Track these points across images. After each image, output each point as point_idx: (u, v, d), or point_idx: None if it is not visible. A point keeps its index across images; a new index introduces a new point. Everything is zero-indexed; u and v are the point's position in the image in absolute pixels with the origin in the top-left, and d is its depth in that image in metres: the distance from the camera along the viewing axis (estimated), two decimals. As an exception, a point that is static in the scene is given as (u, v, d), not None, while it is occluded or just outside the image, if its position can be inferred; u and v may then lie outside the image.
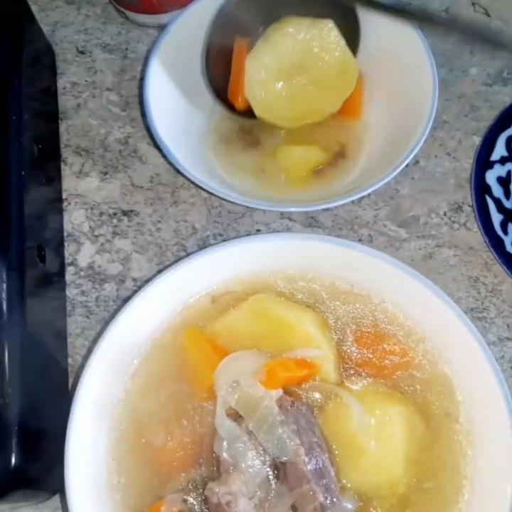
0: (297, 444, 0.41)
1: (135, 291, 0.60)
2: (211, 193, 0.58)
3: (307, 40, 0.59)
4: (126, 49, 0.73)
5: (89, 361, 0.45)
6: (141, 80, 0.71)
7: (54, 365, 0.54)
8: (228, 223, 0.64)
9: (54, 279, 0.59)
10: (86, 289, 0.61)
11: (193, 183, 0.59)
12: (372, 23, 0.60)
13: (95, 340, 0.55)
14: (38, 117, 0.62)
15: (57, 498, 0.54)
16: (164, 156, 0.67)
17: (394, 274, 0.47)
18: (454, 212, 0.63)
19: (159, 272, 0.57)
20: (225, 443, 0.42)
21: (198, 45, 0.61)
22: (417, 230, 0.62)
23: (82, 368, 0.56)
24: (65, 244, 0.63)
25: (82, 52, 0.73)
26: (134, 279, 0.62)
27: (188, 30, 0.60)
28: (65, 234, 0.63)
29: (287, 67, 0.60)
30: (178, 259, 0.62)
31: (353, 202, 0.63)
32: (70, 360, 0.58)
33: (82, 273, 0.62)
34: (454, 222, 0.63)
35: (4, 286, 0.49)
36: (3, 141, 0.54)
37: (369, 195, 0.64)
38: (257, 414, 0.42)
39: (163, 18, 0.71)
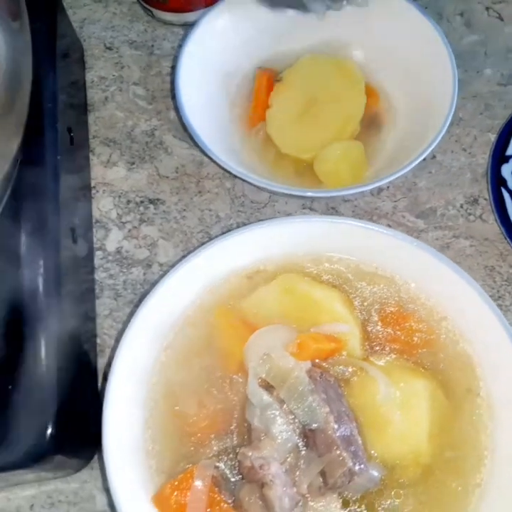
0: (327, 412, 0.43)
1: (162, 275, 0.63)
2: (237, 177, 0.60)
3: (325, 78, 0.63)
4: (152, 46, 0.76)
5: (125, 334, 0.47)
6: (167, 75, 0.74)
7: (85, 342, 0.56)
8: (251, 212, 0.66)
9: (84, 262, 0.61)
10: (114, 273, 0.63)
11: (222, 168, 0.61)
12: (391, 22, 0.63)
13: (131, 315, 0.57)
14: (69, 108, 0.64)
15: (85, 471, 0.55)
16: (189, 148, 0.69)
17: (417, 255, 0.49)
18: (470, 205, 0.65)
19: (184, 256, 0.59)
20: (257, 411, 0.44)
21: (225, 41, 0.64)
22: (435, 221, 0.64)
23: (115, 345, 0.59)
24: (94, 230, 0.65)
25: (109, 48, 0.76)
26: (161, 264, 0.64)
27: (218, 24, 0.62)
28: (94, 220, 0.66)
29: (304, 103, 0.63)
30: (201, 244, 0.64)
31: (372, 194, 0.66)
32: (98, 340, 0.60)
33: (110, 257, 0.64)
34: (470, 214, 0.65)
35: (42, 262, 0.51)
36: (40, 127, 0.56)
37: (388, 187, 0.66)
38: (288, 384, 0.44)
39: (188, 16, 0.73)
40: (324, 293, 0.48)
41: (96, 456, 0.56)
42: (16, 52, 0.43)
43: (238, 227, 0.65)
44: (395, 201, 0.66)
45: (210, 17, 0.62)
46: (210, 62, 0.62)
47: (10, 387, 0.47)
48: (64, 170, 0.57)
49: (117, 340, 0.60)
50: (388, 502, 0.44)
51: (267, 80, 0.64)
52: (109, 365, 0.59)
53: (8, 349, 0.49)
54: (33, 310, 0.50)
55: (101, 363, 0.59)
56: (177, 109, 0.71)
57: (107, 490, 0.55)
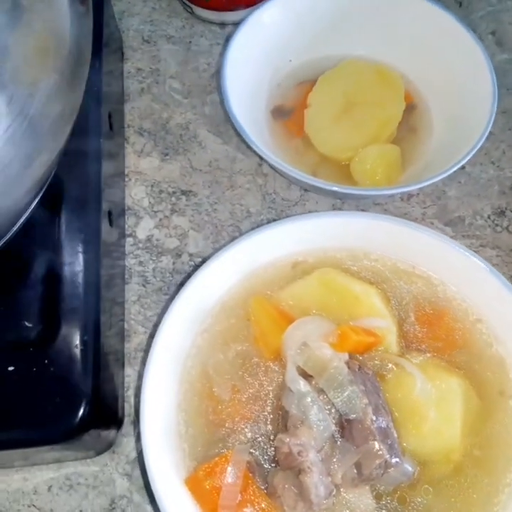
0: (365, 403, 0.43)
1: (191, 266, 0.63)
2: (269, 175, 0.61)
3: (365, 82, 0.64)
4: (190, 42, 0.77)
5: (165, 317, 0.47)
6: (204, 71, 0.75)
7: (113, 325, 0.56)
8: (281, 209, 0.67)
9: (115, 247, 0.62)
10: (143, 260, 0.63)
11: (256, 164, 0.61)
12: (433, 32, 0.64)
13: (171, 299, 0.58)
14: (109, 95, 0.65)
15: (106, 455, 0.55)
16: (223, 144, 0.70)
17: (455, 256, 0.50)
18: (497, 216, 0.66)
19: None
20: (295, 398, 0.44)
21: (270, 39, 0.65)
22: (463, 230, 0.65)
23: (142, 330, 0.59)
24: (126, 216, 0.65)
25: (147, 42, 0.77)
26: (191, 255, 0.64)
27: (266, 21, 0.63)
28: (126, 207, 0.66)
29: (343, 105, 0.64)
30: (232, 239, 0.65)
31: (402, 199, 0.67)
32: (125, 325, 0.60)
33: (140, 245, 0.64)
34: (496, 225, 0.66)
35: (83, 241, 0.51)
36: (86, 108, 0.56)
37: (418, 194, 0.67)
38: (327, 373, 0.44)
39: (228, 15, 0.75)
40: (363, 288, 0.49)
41: (118, 441, 0.56)
42: (81, 35, 0.44)
43: (268, 223, 0.66)
44: (425, 208, 0.67)
45: (259, 13, 0.63)
46: (255, 57, 0.63)
47: (46, 361, 0.47)
48: (104, 153, 0.58)
49: (144, 325, 0.60)
50: (420, 497, 0.44)
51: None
52: (134, 350, 0.59)
53: (46, 326, 0.49)
54: (72, 288, 0.50)
55: (127, 347, 0.59)
56: (213, 104, 0.72)
57: (127, 475, 0.55)
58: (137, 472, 0.55)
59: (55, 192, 0.52)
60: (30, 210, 0.49)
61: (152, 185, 0.67)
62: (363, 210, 0.66)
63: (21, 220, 0.49)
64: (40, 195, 0.50)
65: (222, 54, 0.63)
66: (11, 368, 0.47)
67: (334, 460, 0.43)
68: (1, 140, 0.37)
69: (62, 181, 0.53)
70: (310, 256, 0.52)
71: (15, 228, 0.49)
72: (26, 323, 0.49)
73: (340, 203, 0.67)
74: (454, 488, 0.45)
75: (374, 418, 0.43)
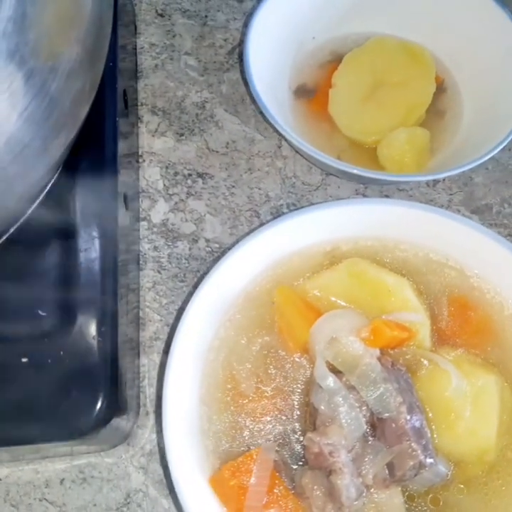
0: (399, 402, 0.41)
1: (208, 252, 0.61)
2: (288, 157, 0.58)
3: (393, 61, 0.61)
4: (206, 16, 0.73)
5: (187, 308, 0.45)
6: (221, 48, 0.71)
7: (128, 313, 0.54)
8: (302, 194, 0.64)
9: (130, 231, 0.59)
10: (158, 245, 0.61)
11: (282, 141, 0.58)
12: (468, 12, 0.61)
13: (192, 288, 0.56)
14: (123, 71, 0.62)
15: (121, 447, 0.53)
16: (241, 124, 0.67)
17: (490, 247, 0.47)
18: (526, 205, 0.64)
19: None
20: (325, 395, 0.42)
21: (292, 15, 0.62)
22: (490, 218, 0.63)
23: (158, 319, 0.57)
24: (140, 199, 0.63)
25: (161, 15, 0.73)
26: (207, 240, 0.61)
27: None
28: (140, 189, 0.63)
29: (369, 86, 0.61)
30: (250, 224, 0.62)
31: (427, 185, 0.64)
32: (140, 313, 0.58)
33: (155, 229, 0.62)
34: (525, 214, 0.64)
35: (99, 221, 0.49)
36: (102, 85, 0.53)
37: (444, 180, 0.64)
38: (359, 370, 0.42)
39: (245, -12, 0.71)
40: (396, 280, 0.46)
41: (133, 433, 0.54)
42: (102, 3, 0.41)
43: (288, 208, 0.63)
44: (451, 194, 0.64)
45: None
46: (277, 34, 0.60)
47: (61, 353, 0.45)
48: (120, 132, 0.55)
49: (160, 313, 0.58)
50: (453, 497, 0.43)
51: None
52: (150, 338, 0.57)
53: (61, 315, 0.46)
54: (89, 276, 0.47)
55: (142, 336, 0.57)
56: (230, 82, 0.69)
57: (143, 468, 0.53)
58: (153, 465, 0.53)
59: (69, 174, 0.49)
60: (44, 194, 0.47)
61: (167, 167, 0.64)
62: (386, 196, 0.64)
63: (35, 204, 0.46)
64: (55, 177, 0.48)
65: (244, 31, 0.60)
66: (24, 360, 0.44)
67: (365, 460, 0.41)
68: (20, 119, 0.34)
69: (76, 162, 0.50)
70: (338, 245, 0.50)
71: (28, 212, 0.46)
72: (40, 312, 0.46)
73: (363, 188, 0.64)
74: (487, 489, 0.43)
75: (408, 417, 0.41)
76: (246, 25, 0.71)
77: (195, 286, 0.58)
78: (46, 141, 0.38)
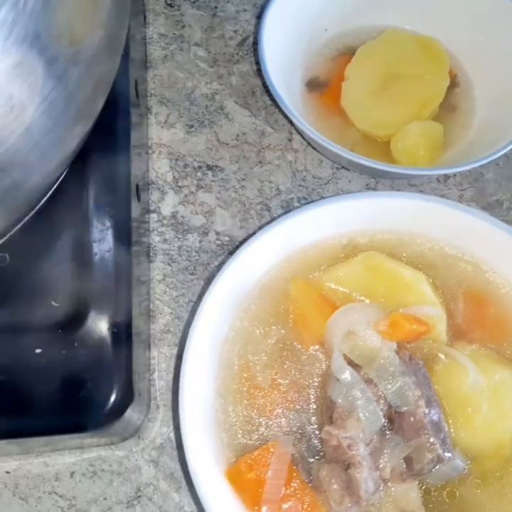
0: (418, 395, 0.41)
1: (219, 245, 0.60)
2: (299, 151, 0.57)
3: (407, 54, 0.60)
4: (216, 7, 0.72)
5: (203, 301, 0.45)
6: (230, 39, 0.71)
7: (141, 306, 0.53)
8: (313, 188, 0.64)
9: (140, 224, 0.58)
10: (168, 238, 0.60)
11: (292, 134, 0.58)
12: (478, 6, 0.61)
13: (206, 279, 0.55)
14: (133, 61, 0.61)
15: (131, 440, 0.53)
16: (251, 116, 0.67)
17: (504, 240, 0.47)
18: (536, 201, 0.64)
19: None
20: (343, 388, 0.42)
21: (305, 6, 0.61)
22: (501, 214, 0.63)
23: (168, 311, 0.56)
24: (149, 191, 0.62)
25: (170, 6, 0.72)
26: (217, 233, 0.61)
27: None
28: (149, 181, 0.63)
29: (382, 79, 0.60)
30: (260, 217, 0.62)
31: (438, 180, 0.64)
32: (151, 306, 0.57)
33: (164, 221, 0.61)
34: (535, 210, 0.64)
35: (112, 212, 0.48)
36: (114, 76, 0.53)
37: (454, 175, 0.64)
38: (377, 363, 0.42)
39: (256, -20, 0.71)
40: (413, 274, 0.46)
41: (143, 426, 0.53)
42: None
43: (299, 202, 0.63)
44: (462, 190, 0.64)
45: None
46: (289, 26, 0.59)
47: (75, 344, 0.44)
48: (132, 123, 0.55)
49: (170, 306, 0.58)
50: (469, 491, 0.42)
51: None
52: (160, 331, 0.57)
53: (74, 306, 0.46)
54: (102, 267, 0.47)
55: (152, 328, 0.56)
56: (240, 74, 0.68)
57: (153, 461, 0.53)
58: (163, 459, 0.53)
59: (82, 163, 0.49)
60: (57, 184, 0.46)
61: (176, 159, 0.64)
62: (397, 191, 0.63)
63: (49, 193, 0.46)
64: (68, 166, 0.47)
65: (255, 22, 0.60)
66: (38, 351, 0.44)
67: (383, 454, 0.41)
68: (41, 106, 0.34)
69: (89, 152, 0.49)
70: (355, 238, 0.49)
71: (42, 201, 0.45)
72: (54, 303, 0.46)
73: (374, 182, 0.64)
74: (503, 483, 0.43)
75: (426, 411, 0.41)
76: (256, 16, 0.71)
77: (206, 279, 0.58)
78: (65, 129, 0.38)
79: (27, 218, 0.45)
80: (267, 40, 0.56)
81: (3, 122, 0.30)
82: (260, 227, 0.53)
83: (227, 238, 0.61)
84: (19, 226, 0.45)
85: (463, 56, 0.63)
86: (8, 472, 0.52)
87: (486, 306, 0.48)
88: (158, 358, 0.56)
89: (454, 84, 0.61)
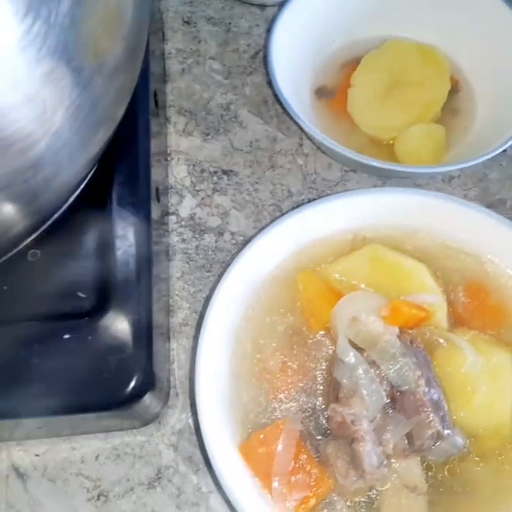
0: (418, 375, 0.44)
1: (233, 244, 0.64)
2: (309, 155, 0.61)
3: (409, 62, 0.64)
4: (230, 23, 0.77)
5: (216, 290, 0.48)
6: (244, 53, 0.75)
7: (161, 300, 0.57)
8: (322, 190, 0.67)
9: (160, 225, 0.62)
10: (186, 238, 0.64)
11: (303, 140, 0.61)
12: (477, 15, 0.64)
13: (218, 275, 0.59)
14: (152, 74, 0.65)
15: (152, 426, 0.56)
16: (264, 124, 0.70)
17: (502, 232, 0.50)
18: (539, 199, 0.66)
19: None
20: (347, 369, 0.45)
21: (313, 19, 0.66)
22: (504, 212, 0.65)
23: (187, 306, 0.60)
24: (169, 195, 0.66)
25: (187, 23, 0.77)
26: (232, 233, 0.65)
27: (311, 3, 0.63)
28: (169, 186, 0.67)
29: (386, 85, 0.64)
30: (273, 218, 0.65)
31: (443, 180, 0.67)
32: (170, 301, 0.61)
33: (183, 223, 0.65)
34: (538, 208, 0.66)
35: (134, 210, 0.52)
36: (136, 85, 0.57)
37: (459, 175, 0.67)
38: (379, 346, 0.45)
39: (268, -3, 0.75)
40: (414, 264, 0.49)
41: (163, 412, 0.57)
42: (141, 12, 0.44)
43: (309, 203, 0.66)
44: (466, 190, 0.67)
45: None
46: (299, 38, 0.63)
47: (100, 330, 0.48)
48: (152, 130, 0.59)
49: (188, 301, 0.61)
50: (470, 468, 0.45)
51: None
52: (179, 324, 0.60)
53: (99, 297, 0.50)
54: (125, 261, 0.51)
55: (172, 322, 0.60)
56: (253, 85, 0.73)
57: (173, 446, 0.56)
58: (182, 443, 0.56)
59: (106, 167, 0.53)
60: (83, 185, 0.51)
61: (194, 165, 0.68)
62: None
63: (76, 193, 0.50)
64: (94, 168, 0.51)
65: (267, 36, 0.64)
66: (66, 336, 0.48)
67: (386, 430, 0.44)
68: (69, 110, 0.38)
69: (113, 156, 0.54)
70: (359, 233, 0.52)
71: (70, 200, 0.50)
72: (80, 294, 0.50)
73: (381, 184, 0.67)
74: (502, 461, 0.45)
75: (426, 390, 0.44)
76: (268, 31, 0.75)
77: (222, 276, 0.61)
78: (90, 132, 0.42)
79: (56, 216, 0.49)
80: (276, 52, 0.60)
81: (38, 123, 0.34)
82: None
83: (241, 238, 0.64)
84: (49, 223, 0.49)
85: (464, 63, 0.66)
86: (37, 455, 0.55)
87: (485, 295, 0.50)
88: (177, 349, 0.59)
89: (455, 89, 0.64)
